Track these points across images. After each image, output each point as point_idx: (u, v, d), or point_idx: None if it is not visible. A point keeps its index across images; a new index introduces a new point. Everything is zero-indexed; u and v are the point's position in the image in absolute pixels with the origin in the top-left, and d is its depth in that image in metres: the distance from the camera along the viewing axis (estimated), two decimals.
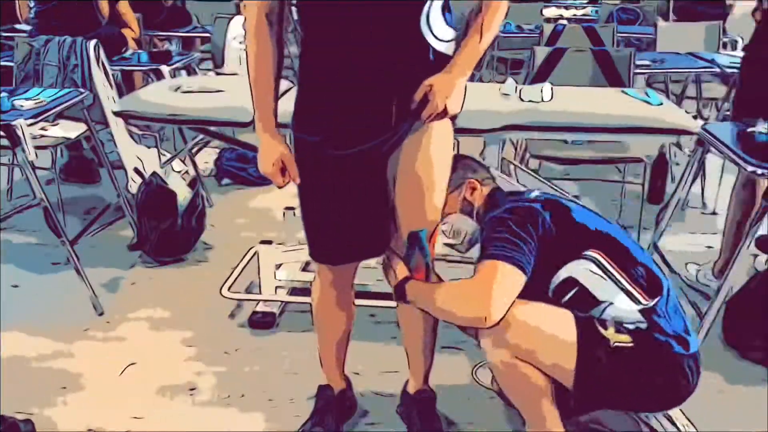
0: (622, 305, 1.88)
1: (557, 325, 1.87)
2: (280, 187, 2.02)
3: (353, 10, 1.77)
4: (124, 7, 4.75)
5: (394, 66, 1.84)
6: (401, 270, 2.02)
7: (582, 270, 1.90)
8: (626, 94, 3.06)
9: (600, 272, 1.89)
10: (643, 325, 1.88)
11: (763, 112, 2.79)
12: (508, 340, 1.82)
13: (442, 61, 1.89)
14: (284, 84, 2.72)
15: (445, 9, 1.88)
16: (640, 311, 1.87)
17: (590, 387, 1.87)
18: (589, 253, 1.90)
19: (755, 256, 3.23)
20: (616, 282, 1.89)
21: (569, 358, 1.84)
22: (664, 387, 1.90)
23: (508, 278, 1.84)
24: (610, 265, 1.89)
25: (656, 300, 1.89)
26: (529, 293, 1.86)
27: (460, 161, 2.16)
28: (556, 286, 1.92)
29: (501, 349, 1.84)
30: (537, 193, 2.05)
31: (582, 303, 1.90)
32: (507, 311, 1.81)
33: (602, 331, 1.86)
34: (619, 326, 1.88)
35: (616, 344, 1.85)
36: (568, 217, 1.95)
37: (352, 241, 2.05)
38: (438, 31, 1.87)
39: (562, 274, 1.91)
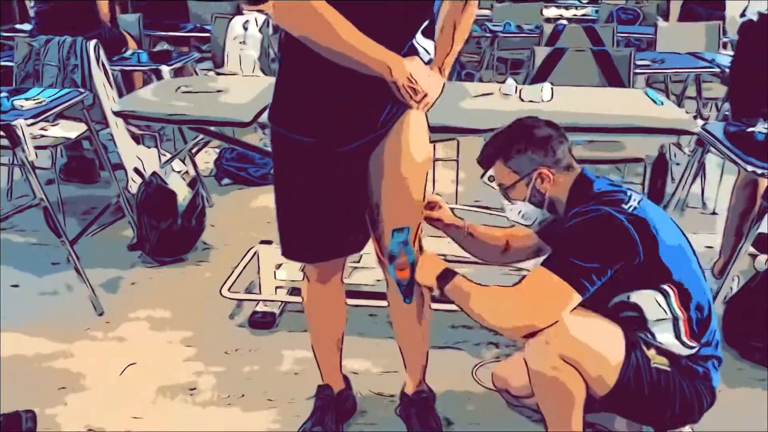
0: (668, 341, 1.89)
1: (608, 342, 1.85)
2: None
3: (351, 12, 1.77)
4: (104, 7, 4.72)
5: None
6: (433, 262, 1.98)
7: (650, 299, 1.87)
8: (647, 95, 3.05)
9: (665, 306, 1.87)
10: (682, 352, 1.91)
11: (758, 112, 2.80)
12: (557, 343, 1.80)
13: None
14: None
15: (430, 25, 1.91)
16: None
17: (619, 400, 1.89)
18: (665, 287, 1.86)
19: (754, 256, 3.23)
20: (674, 323, 1.88)
21: (612, 375, 1.84)
22: (682, 411, 1.91)
23: (563, 300, 1.79)
24: (678, 306, 1.87)
25: (700, 343, 1.91)
26: (587, 301, 1.83)
27: (528, 137, 1.95)
28: (618, 303, 1.89)
29: (551, 352, 1.81)
30: (634, 203, 1.86)
31: (632, 324, 1.89)
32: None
33: (646, 350, 1.88)
34: (660, 348, 1.90)
35: (655, 365, 1.88)
36: (654, 251, 1.82)
37: (330, 239, 2.05)
38: (427, 46, 1.91)
39: (631, 297, 1.88)
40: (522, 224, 2.07)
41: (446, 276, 1.94)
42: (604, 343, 1.85)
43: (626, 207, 1.85)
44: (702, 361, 1.92)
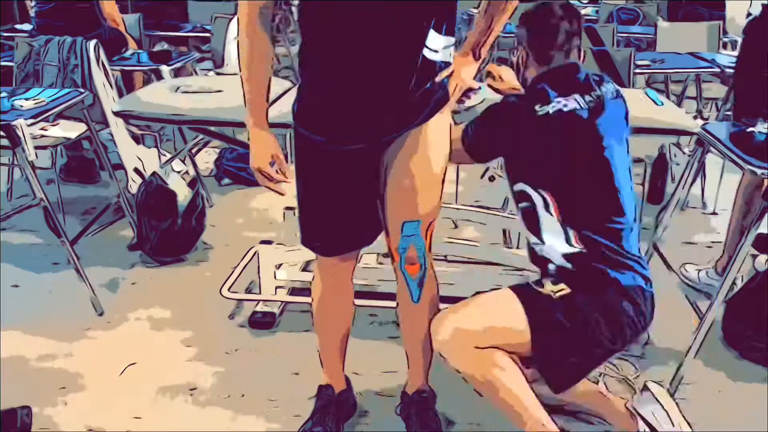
0: (556, 246, 1.98)
1: (502, 308, 1.95)
2: (269, 187, 2.00)
3: (359, 12, 1.76)
4: (109, 7, 4.71)
5: (395, 69, 1.84)
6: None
7: (536, 196, 2.00)
8: (647, 95, 3.04)
9: (544, 211, 1.98)
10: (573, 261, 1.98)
11: (761, 111, 2.80)
12: (469, 340, 1.89)
13: (427, 70, 1.89)
14: (286, 84, 2.73)
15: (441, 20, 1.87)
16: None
17: (549, 347, 1.93)
18: (544, 193, 1.98)
19: (755, 256, 3.23)
20: (558, 224, 1.98)
21: (523, 333, 1.91)
22: (611, 317, 1.95)
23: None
24: (555, 211, 1.97)
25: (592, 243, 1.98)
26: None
27: (531, 16, 2.11)
28: (519, 191, 2.03)
29: (465, 347, 1.89)
30: (549, 108, 1.99)
31: (530, 224, 2.02)
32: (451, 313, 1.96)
33: (542, 290, 1.95)
34: (554, 275, 1.98)
35: (558, 296, 1.93)
36: (546, 150, 2.00)
37: (347, 232, 2.07)
38: (431, 43, 1.86)
39: (525, 189, 2.02)
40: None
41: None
42: (499, 312, 1.94)
43: (538, 109, 1.98)
44: (602, 262, 1.98)
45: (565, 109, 1.98)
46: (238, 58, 1.92)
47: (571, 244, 1.97)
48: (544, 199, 1.98)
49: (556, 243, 1.98)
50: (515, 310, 1.93)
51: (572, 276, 1.97)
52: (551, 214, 1.97)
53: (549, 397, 2.04)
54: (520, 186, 2.04)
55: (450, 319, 1.95)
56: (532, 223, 2.03)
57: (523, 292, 1.96)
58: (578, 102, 2.01)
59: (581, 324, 1.92)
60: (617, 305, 1.95)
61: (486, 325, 1.92)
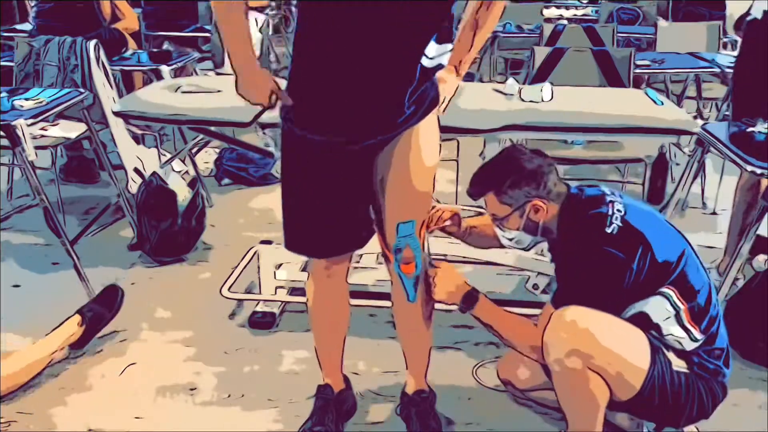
0: (676, 332, 1.91)
1: (634, 348, 1.87)
2: (266, 107, 1.93)
3: (363, 14, 1.75)
4: (123, 7, 4.74)
5: (394, 73, 1.84)
6: (452, 279, 2.04)
7: (656, 307, 1.89)
8: (647, 95, 3.05)
9: (671, 309, 1.89)
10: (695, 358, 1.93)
11: (761, 112, 2.80)
12: (584, 352, 1.81)
13: (425, 73, 1.90)
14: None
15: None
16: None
17: (642, 404, 1.90)
18: (665, 290, 1.88)
19: (752, 256, 3.23)
20: (680, 318, 1.89)
21: (638, 381, 1.86)
22: (698, 411, 1.94)
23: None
24: (680, 301, 1.88)
25: (708, 334, 1.93)
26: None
27: (518, 170, 1.97)
28: (626, 317, 1.91)
29: (574, 357, 1.82)
30: (616, 222, 1.88)
31: (639, 323, 1.91)
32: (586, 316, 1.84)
33: (666, 353, 1.90)
34: (677, 350, 1.92)
35: (676, 369, 1.90)
36: (651, 257, 1.86)
37: (334, 234, 2.05)
38: (428, 51, 1.87)
39: (637, 307, 1.90)
40: (516, 248, 2.13)
41: (470, 299, 2.00)
42: (630, 350, 1.86)
43: (609, 230, 1.87)
44: (713, 357, 1.93)
45: (620, 214, 1.91)
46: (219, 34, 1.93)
47: (686, 330, 1.91)
48: (667, 296, 1.88)
49: (674, 331, 1.91)
50: (642, 356, 1.87)
51: (691, 360, 1.93)
52: (672, 306, 1.89)
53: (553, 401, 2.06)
54: (636, 307, 1.91)
55: (583, 339, 1.84)
56: (647, 329, 1.92)
57: (656, 345, 1.90)
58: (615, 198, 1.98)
59: (679, 405, 1.91)
60: (715, 399, 1.94)
61: (611, 350, 1.83)
